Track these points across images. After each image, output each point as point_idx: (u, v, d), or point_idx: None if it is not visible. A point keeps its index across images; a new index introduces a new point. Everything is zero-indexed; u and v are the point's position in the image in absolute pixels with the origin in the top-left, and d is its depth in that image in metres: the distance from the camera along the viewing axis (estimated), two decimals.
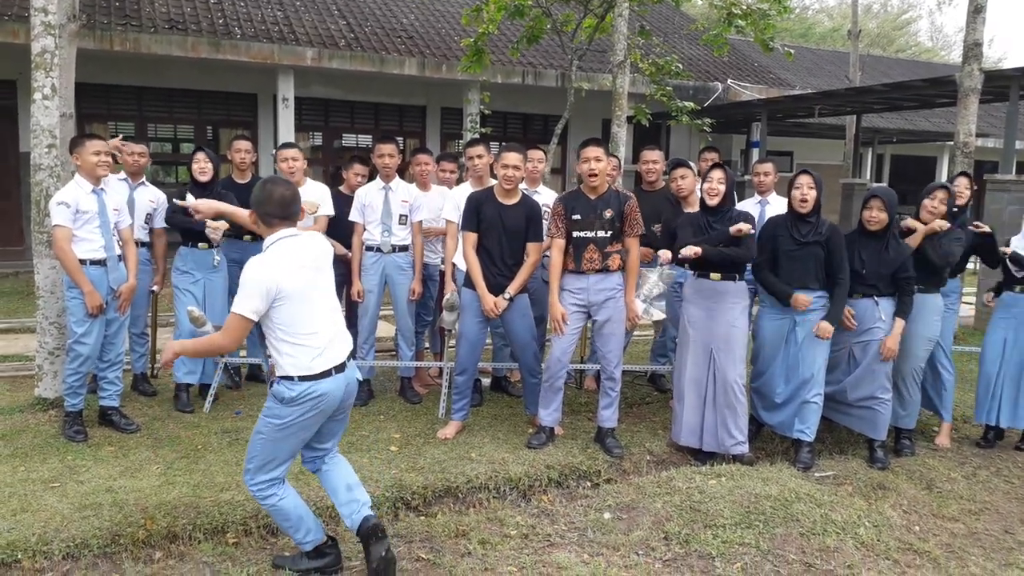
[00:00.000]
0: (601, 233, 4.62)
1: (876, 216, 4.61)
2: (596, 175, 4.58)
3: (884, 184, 17.97)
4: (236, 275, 5.52)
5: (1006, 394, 4.99)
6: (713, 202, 4.62)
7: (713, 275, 4.62)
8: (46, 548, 3.38)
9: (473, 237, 4.78)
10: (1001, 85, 10.21)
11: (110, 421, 4.87)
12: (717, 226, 4.59)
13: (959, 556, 3.63)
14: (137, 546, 3.52)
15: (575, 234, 4.64)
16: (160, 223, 5.58)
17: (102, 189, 4.72)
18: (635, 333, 6.23)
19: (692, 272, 4.73)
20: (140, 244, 5.32)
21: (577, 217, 4.63)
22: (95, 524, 3.57)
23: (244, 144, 5.63)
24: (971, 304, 9.41)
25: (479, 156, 5.39)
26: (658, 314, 4.89)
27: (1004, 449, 5.11)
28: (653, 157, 5.75)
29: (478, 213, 4.76)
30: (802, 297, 4.57)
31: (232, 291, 5.41)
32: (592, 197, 4.66)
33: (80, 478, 4.10)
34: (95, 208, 4.63)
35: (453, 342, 7.02)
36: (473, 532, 3.69)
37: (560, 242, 4.68)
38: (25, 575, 3.27)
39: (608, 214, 4.61)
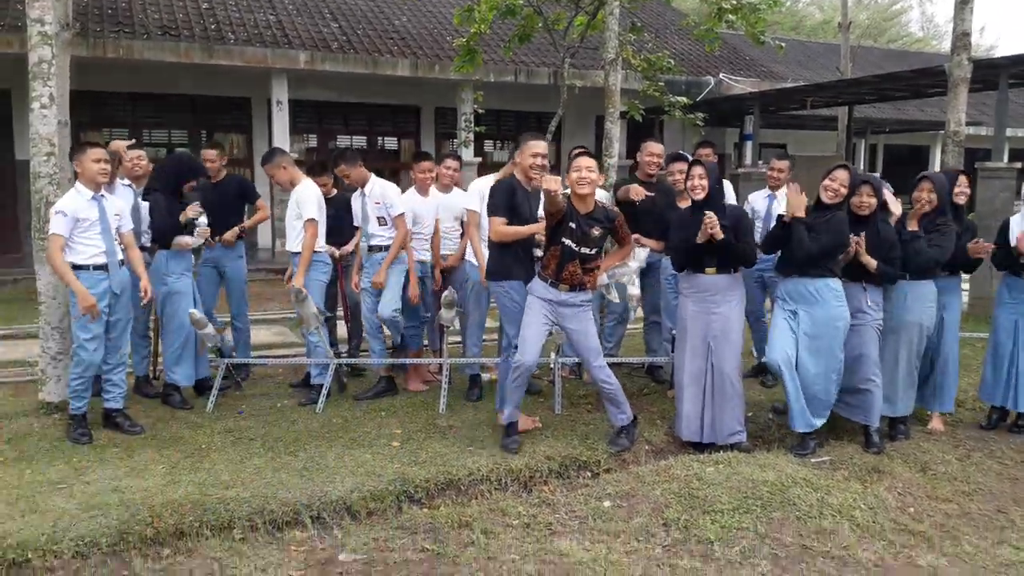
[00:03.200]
0: (585, 250, 4.50)
1: (866, 201, 4.66)
2: (585, 184, 4.45)
3: (877, 174, 18.04)
4: (207, 275, 5.94)
5: (1022, 379, 5.03)
6: (699, 197, 4.67)
7: (708, 270, 4.68)
8: (55, 547, 3.44)
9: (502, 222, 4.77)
10: (991, 74, 10.28)
11: (115, 423, 4.92)
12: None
13: (953, 535, 3.70)
14: (145, 544, 3.58)
15: (564, 241, 4.48)
16: (126, 227, 5.58)
17: (103, 195, 4.77)
18: (629, 325, 6.30)
19: (687, 269, 4.78)
20: (143, 249, 5.33)
21: (573, 226, 4.48)
22: (103, 523, 3.62)
23: (210, 153, 6.10)
24: (965, 290, 9.50)
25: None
26: (614, 295, 5.17)
27: (998, 431, 5.18)
28: (656, 150, 5.86)
29: (513, 198, 4.77)
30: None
31: (204, 289, 5.84)
32: (582, 211, 4.51)
33: (86, 479, 4.16)
34: (95, 215, 4.69)
35: (453, 338, 7.10)
36: (476, 522, 3.75)
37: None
38: (36, 574, 3.32)
39: (596, 232, 4.52)
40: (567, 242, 4.47)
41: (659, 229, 5.32)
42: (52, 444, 4.66)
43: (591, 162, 4.57)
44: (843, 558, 3.39)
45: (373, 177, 5.63)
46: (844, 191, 4.57)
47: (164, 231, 5.36)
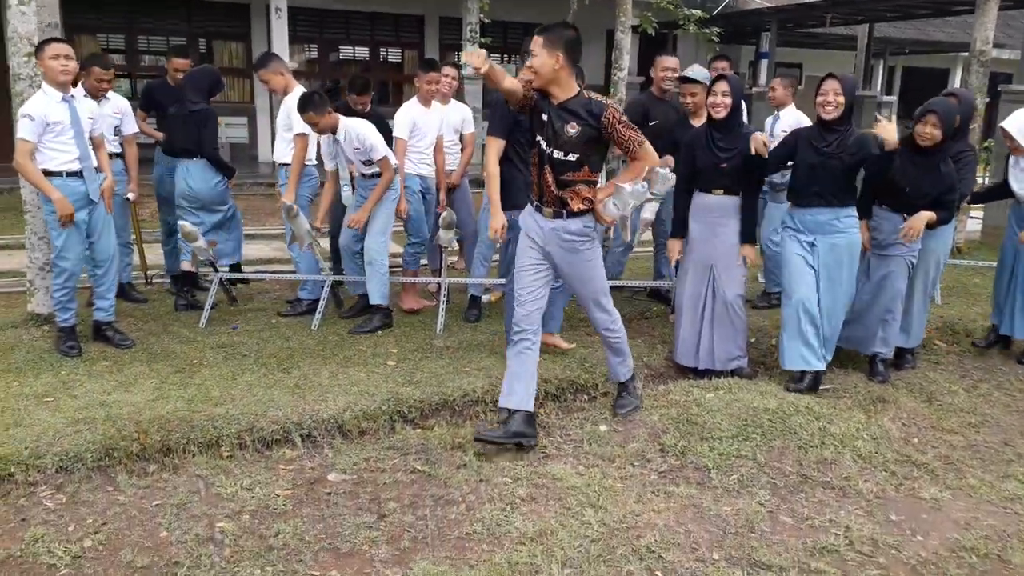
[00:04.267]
0: (559, 154, 3.50)
1: (930, 133, 4.25)
2: (536, 71, 3.41)
3: (893, 98, 17.52)
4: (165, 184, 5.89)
5: (1018, 304, 4.99)
6: (719, 115, 4.41)
7: (715, 191, 4.48)
8: (39, 462, 3.37)
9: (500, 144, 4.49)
10: None
11: (105, 336, 4.82)
12: (722, 143, 4.41)
13: (957, 468, 3.62)
14: (131, 459, 3.51)
15: (538, 140, 3.56)
16: (130, 130, 5.61)
17: (72, 96, 4.52)
18: (635, 249, 6.12)
19: (696, 189, 4.58)
20: (112, 156, 5.29)
21: (545, 118, 3.50)
22: (88, 438, 3.55)
23: (180, 63, 6.03)
24: (978, 219, 9.28)
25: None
26: (613, 211, 3.65)
27: (1006, 362, 5.07)
28: (671, 64, 5.54)
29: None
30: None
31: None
32: (555, 100, 3.48)
33: (74, 393, 4.08)
34: (67, 119, 4.45)
35: (452, 259, 6.95)
36: (469, 444, 3.67)
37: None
38: (18, 488, 3.26)
39: (572, 130, 3.44)
40: (539, 140, 3.55)
41: (669, 147, 5.09)
42: (40, 356, 4.57)
43: (539, 38, 3.44)
44: (844, 489, 3.31)
45: (341, 120, 5.06)
46: (842, 99, 4.18)
47: (201, 143, 5.47)
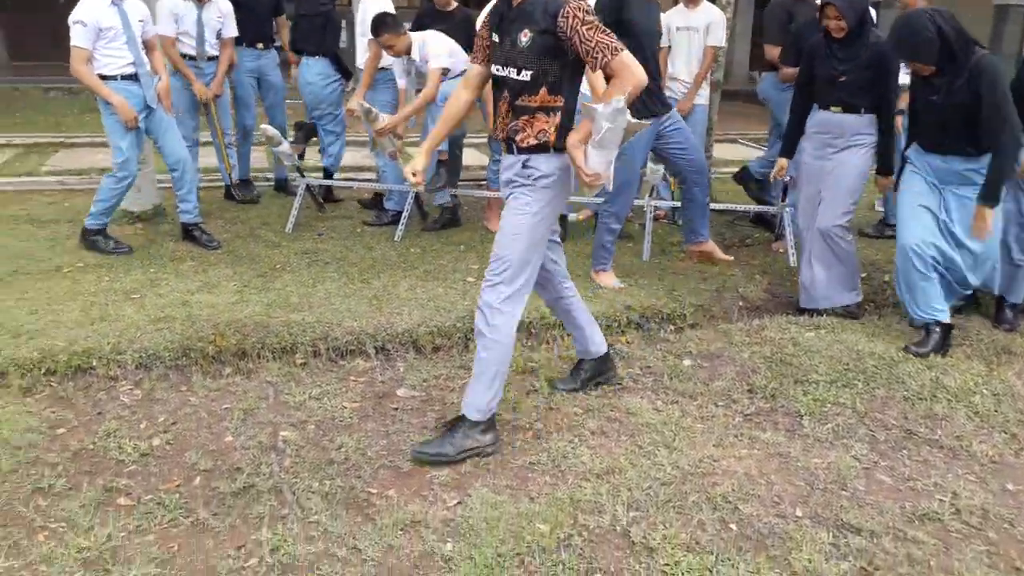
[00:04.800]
0: (512, 72, 2.71)
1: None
2: None
3: None
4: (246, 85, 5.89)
5: None
6: (839, 35, 3.92)
7: (833, 107, 4.02)
8: (120, 357, 3.42)
9: None
10: None
11: (192, 237, 4.87)
12: (841, 54, 3.93)
13: None
14: (207, 361, 3.53)
15: (494, 69, 2.80)
16: (230, 34, 5.58)
17: (120, 0, 4.42)
18: (717, 169, 5.69)
19: (816, 104, 4.13)
20: (210, 59, 5.53)
21: (496, 38, 2.78)
22: (168, 337, 3.58)
23: None
24: None
25: None
26: (596, 163, 2.61)
27: None
28: None
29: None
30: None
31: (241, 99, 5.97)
32: (514, 2, 2.70)
33: (159, 291, 4.13)
34: (118, 23, 4.38)
35: None
36: (542, 369, 3.50)
37: (478, 70, 2.89)
38: (99, 382, 3.32)
39: (524, 38, 2.64)
40: (495, 68, 2.80)
41: (793, 53, 4.67)
42: (132, 254, 4.66)
43: None
44: (954, 449, 2.96)
45: (413, 37, 4.92)
46: (843, 23, 3.83)
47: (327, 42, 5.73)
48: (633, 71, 2.53)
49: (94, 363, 3.39)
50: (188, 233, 4.89)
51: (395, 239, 5.12)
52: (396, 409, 3.21)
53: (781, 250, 5.13)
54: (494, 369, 2.81)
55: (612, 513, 2.52)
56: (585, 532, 2.44)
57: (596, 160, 2.59)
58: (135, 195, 5.10)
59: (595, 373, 3.35)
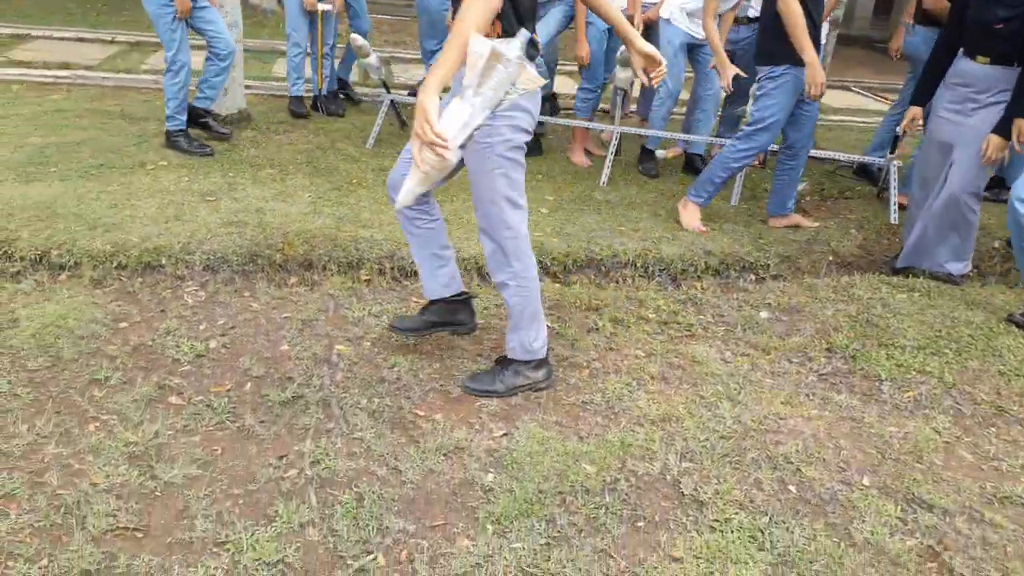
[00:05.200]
0: None
1: None
2: None
3: None
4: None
5: None
6: None
7: (980, 58, 3.58)
8: (189, 257, 3.46)
9: None
10: None
11: (200, 124, 4.87)
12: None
13: None
14: (273, 268, 3.53)
15: None
16: None
17: None
18: (830, 117, 5.28)
19: (961, 50, 3.69)
20: None
21: None
22: (237, 241, 3.60)
23: None
24: None
25: None
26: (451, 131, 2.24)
27: None
28: None
29: None
30: None
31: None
32: None
33: (235, 195, 4.15)
34: None
35: (634, 107, 6.38)
36: (608, 308, 3.36)
37: None
38: (166, 280, 3.37)
39: None
40: None
41: None
42: (214, 156, 4.69)
43: None
44: None
45: None
46: None
47: None
48: (460, 23, 2.12)
49: (163, 261, 3.43)
50: (197, 119, 4.87)
51: None
52: (453, 334, 3.14)
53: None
54: (531, 309, 2.66)
55: (663, 461, 2.40)
56: (633, 478, 2.33)
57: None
58: (222, 97, 5.11)
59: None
